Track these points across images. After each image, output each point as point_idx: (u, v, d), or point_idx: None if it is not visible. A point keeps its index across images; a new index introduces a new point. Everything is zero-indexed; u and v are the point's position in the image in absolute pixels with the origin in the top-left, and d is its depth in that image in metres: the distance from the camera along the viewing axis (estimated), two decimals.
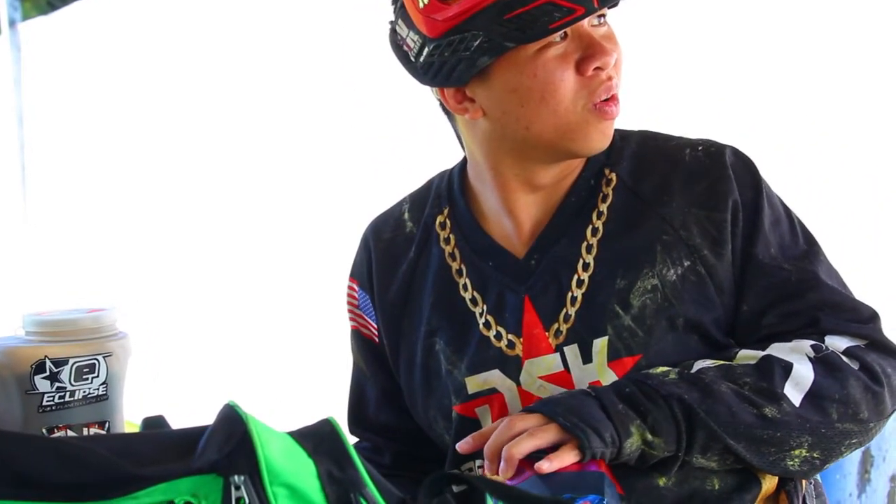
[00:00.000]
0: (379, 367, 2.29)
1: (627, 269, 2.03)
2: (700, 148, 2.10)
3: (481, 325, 2.11)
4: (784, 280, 2.02)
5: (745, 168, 2.08)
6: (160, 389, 7.46)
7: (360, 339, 2.31)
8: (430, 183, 2.30)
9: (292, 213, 6.78)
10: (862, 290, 2.14)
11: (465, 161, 2.23)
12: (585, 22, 1.98)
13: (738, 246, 2.04)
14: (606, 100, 1.99)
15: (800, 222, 2.11)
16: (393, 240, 2.26)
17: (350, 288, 2.31)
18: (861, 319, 2.03)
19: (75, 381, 2.07)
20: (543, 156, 2.04)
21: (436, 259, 2.19)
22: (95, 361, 2.08)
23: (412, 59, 2.03)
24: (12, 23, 10.28)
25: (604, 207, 2.09)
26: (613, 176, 2.11)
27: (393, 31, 2.08)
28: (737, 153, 2.10)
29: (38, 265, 9.57)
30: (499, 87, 1.99)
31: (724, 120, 3.85)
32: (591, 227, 2.08)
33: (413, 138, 5.42)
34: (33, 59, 9.97)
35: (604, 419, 1.85)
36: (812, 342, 1.97)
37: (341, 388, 2.43)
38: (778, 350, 1.97)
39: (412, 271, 2.21)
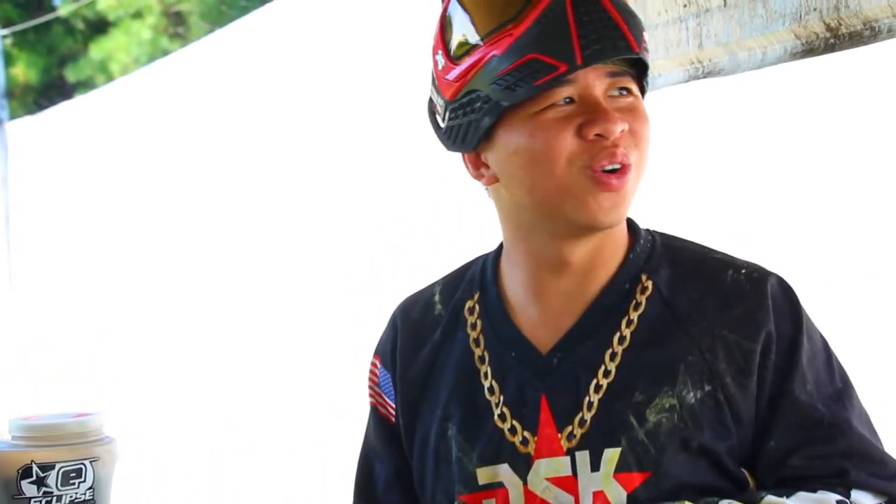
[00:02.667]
0: (393, 447, 2.25)
1: (648, 383, 1.98)
2: (743, 271, 2.04)
3: (496, 417, 2.07)
4: (817, 421, 1.98)
5: (787, 299, 2.03)
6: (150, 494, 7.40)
7: (378, 418, 2.28)
8: (464, 267, 2.27)
9: (291, 301, 6.79)
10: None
11: (499, 248, 2.22)
12: (597, 91, 1.97)
13: (768, 379, 1.98)
14: (611, 171, 1.95)
15: (836, 359, 2.06)
16: (421, 321, 2.22)
17: (373, 364, 2.28)
18: (887, 475, 1.99)
19: (62, 485, 2.05)
20: (554, 227, 2.00)
21: (460, 344, 2.15)
22: (82, 466, 2.07)
23: (440, 124, 2.05)
24: None
25: (635, 316, 2.04)
26: (650, 284, 2.06)
27: (430, 101, 2.09)
28: (781, 283, 2.04)
29: (26, 363, 9.53)
30: (502, 150, 1.98)
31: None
32: (618, 334, 2.03)
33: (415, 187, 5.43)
34: (20, 157, 10.02)
35: None
36: (838, 497, 1.96)
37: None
38: (804, 501, 1.96)
39: (435, 353, 2.18)
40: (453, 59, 1.99)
